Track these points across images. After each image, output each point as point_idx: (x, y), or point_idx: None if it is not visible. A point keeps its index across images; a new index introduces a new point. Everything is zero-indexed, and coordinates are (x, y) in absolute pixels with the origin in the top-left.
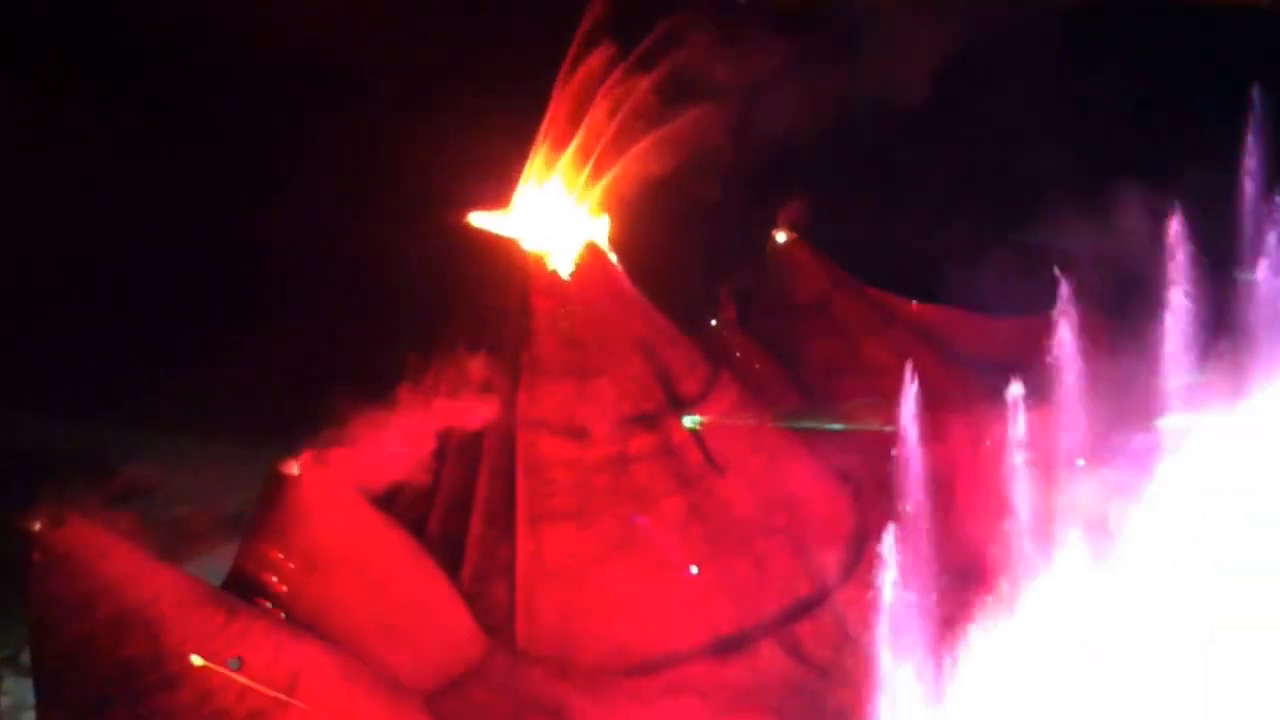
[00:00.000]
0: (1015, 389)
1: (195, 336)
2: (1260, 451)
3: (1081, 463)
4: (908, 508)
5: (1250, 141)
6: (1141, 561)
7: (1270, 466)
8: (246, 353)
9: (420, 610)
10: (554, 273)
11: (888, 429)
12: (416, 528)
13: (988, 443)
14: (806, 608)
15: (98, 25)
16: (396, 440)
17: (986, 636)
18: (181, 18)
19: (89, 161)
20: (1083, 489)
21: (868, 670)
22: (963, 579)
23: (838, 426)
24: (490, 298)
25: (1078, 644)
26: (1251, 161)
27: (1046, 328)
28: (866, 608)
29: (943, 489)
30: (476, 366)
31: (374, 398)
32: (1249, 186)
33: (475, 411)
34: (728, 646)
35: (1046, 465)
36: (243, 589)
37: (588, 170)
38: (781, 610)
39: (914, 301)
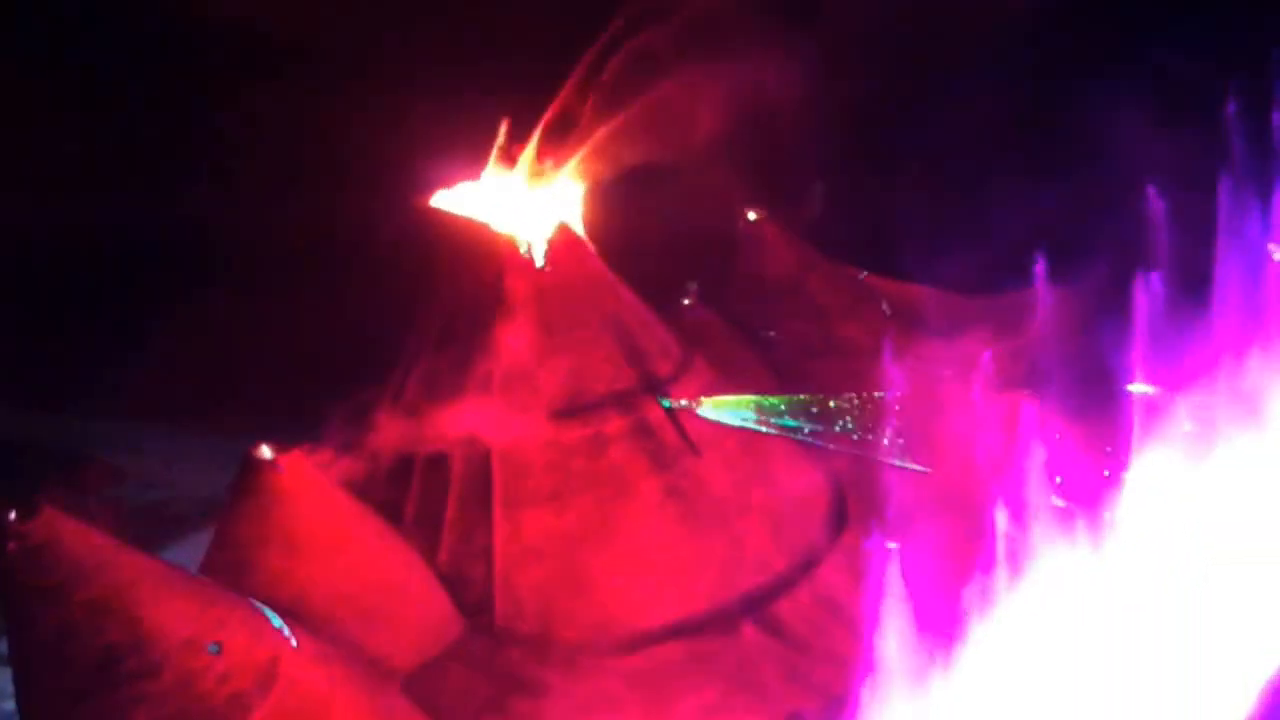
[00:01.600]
0: (991, 365)
1: (166, 324)
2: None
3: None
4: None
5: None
6: (1131, 522)
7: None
8: (219, 340)
9: (397, 592)
10: (526, 254)
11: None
12: (392, 511)
13: (967, 416)
14: (786, 585)
15: None
16: (372, 427)
17: (975, 599)
18: None
19: (49, 146)
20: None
21: (849, 645)
22: (949, 548)
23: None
24: (463, 280)
25: (1071, 613)
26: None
27: (1024, 306)
28: (846, 584)
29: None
30: (451, 351)
31: (347, 384)
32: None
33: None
34: (707, 625)
35: (1025, 439)
36: (219, 575)
37: (559, 149)
38: (761, 588)
39: (888, 280)
